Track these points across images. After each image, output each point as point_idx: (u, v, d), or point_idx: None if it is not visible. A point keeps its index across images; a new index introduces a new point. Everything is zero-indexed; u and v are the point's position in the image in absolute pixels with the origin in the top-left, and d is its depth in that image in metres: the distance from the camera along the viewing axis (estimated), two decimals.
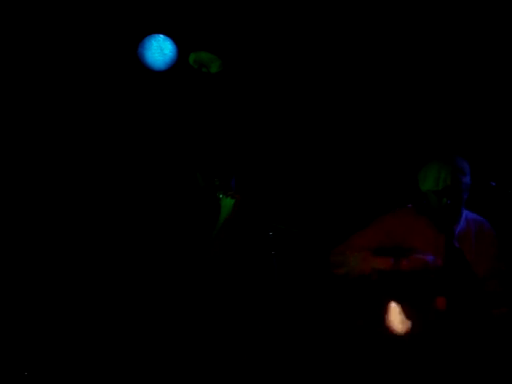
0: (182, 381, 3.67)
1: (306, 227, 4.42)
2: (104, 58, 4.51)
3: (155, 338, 3.82)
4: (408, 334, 3.45)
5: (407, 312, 3.48)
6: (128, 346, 4.07)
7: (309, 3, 4.40)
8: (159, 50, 4.46)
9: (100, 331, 4.30)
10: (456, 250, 3.56)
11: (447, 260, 3.53)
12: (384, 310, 3.52)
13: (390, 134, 4.74)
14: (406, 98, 4.68)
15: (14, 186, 4.50)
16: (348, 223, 4.34)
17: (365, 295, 3.65)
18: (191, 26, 4.50)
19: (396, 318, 3.48)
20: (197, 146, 4.05)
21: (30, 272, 4.41)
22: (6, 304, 4.27)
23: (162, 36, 4.48)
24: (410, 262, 3.51)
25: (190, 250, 3.74)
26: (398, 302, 3.51)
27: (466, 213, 3.65)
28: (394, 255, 3.58)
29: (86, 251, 4.50)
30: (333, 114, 4.76)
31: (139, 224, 4.38)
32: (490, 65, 4.51)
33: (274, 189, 4.73)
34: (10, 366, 4.04)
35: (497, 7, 4.31)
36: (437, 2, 4.37)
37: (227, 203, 3.74)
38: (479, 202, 3.77)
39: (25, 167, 4.54)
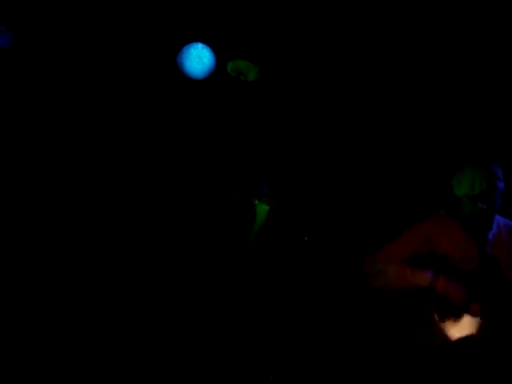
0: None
1: (341, 233, 4.42)
2: (143, 67, 4.60)
3: (182, 341, 3.88)
4: (444, 342, 3.44)
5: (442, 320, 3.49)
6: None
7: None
8: (198, 59, 4.51)
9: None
10: (489, 256, 3.53)
11: (481, 267, 3.51)
12: (423, 317, 3.53)
13: (422, 142, 4.73)
14: (438, 106, 4.67)
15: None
16: (382, 229, 4.34)
17: (403, 301, 3.64)
18: (229, 34, 4.56)
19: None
20: (232, 153, 4.10)
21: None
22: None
23: (200, 45, 4.54)
24: (446, 284, 3.47)
25: (227, 256, 3.79)
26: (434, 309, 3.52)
27: (497, 218, 3.62)
28: (430, 267, 3.57)
29: (120, 256, 4.58)
30: (365, 124, 4.78)
31: (175, 232, 4.44)
32: None
33: (311, 195, 4.75)
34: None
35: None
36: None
37: (262, 209, 3.79)
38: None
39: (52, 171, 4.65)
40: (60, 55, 4.49)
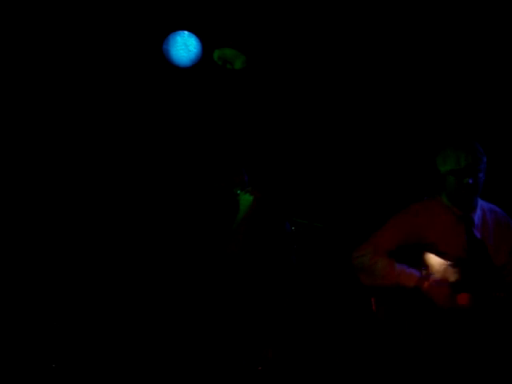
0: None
1: (329, 222, 4.40)
2: (129, 55, 4.59)
3: (172, 334, 3.87)
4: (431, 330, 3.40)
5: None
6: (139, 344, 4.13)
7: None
8: (184, 47, 4.49)
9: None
10: (477, 240, 3.50)
11: (469, 251, 3.48)
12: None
13: (402, 128, 4.73)
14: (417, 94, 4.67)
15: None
16: (368, 217, 4.32)
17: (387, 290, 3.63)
18: (216, 22, 4.53)
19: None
20: (215, 142, 4.07)
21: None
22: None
23: (186, 32, 4.52)
24: (431, 286, 3.44)
25: (210, 246, 3.76)
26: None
27: (480, 202, 3.59)
28: (418, 253, 3.56)
29: (98, 248, 4.57)
30: (349, 112, 4.75)
31: (160, 222, 4.42)
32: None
33: (296, 184, 4.71)
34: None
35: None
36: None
37: (246, 200, 3.76)
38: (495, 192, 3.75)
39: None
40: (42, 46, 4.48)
